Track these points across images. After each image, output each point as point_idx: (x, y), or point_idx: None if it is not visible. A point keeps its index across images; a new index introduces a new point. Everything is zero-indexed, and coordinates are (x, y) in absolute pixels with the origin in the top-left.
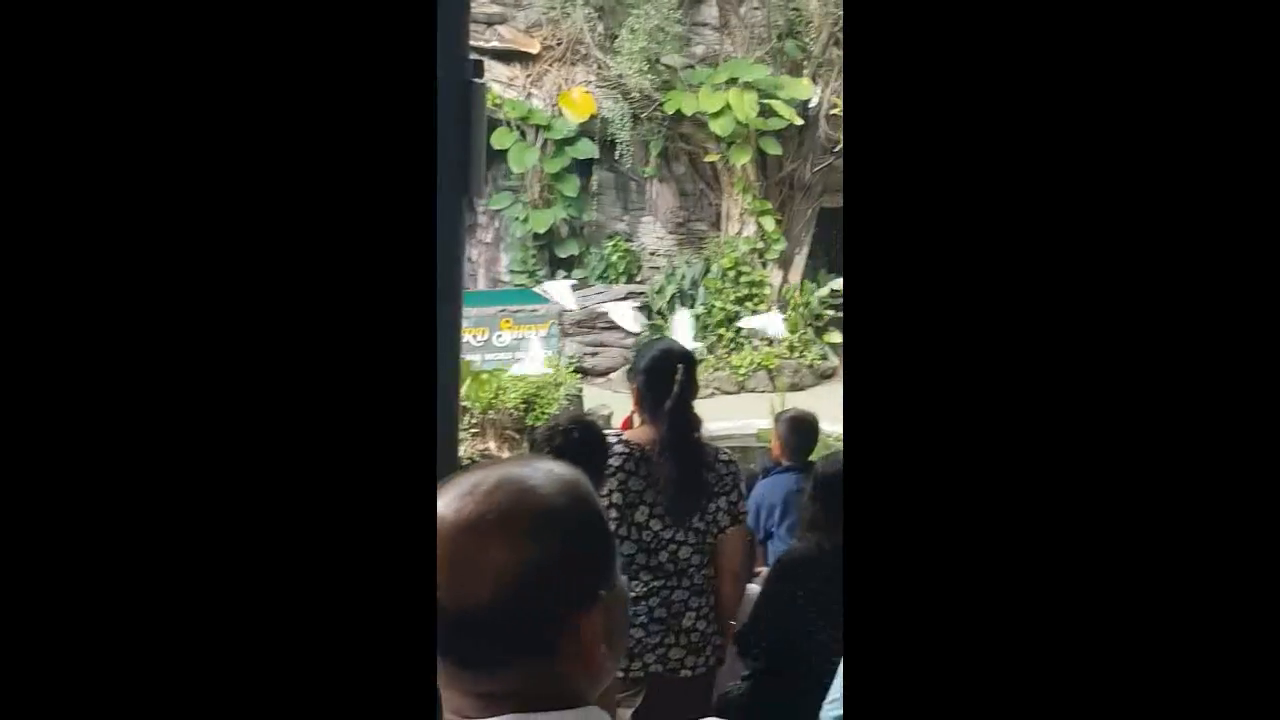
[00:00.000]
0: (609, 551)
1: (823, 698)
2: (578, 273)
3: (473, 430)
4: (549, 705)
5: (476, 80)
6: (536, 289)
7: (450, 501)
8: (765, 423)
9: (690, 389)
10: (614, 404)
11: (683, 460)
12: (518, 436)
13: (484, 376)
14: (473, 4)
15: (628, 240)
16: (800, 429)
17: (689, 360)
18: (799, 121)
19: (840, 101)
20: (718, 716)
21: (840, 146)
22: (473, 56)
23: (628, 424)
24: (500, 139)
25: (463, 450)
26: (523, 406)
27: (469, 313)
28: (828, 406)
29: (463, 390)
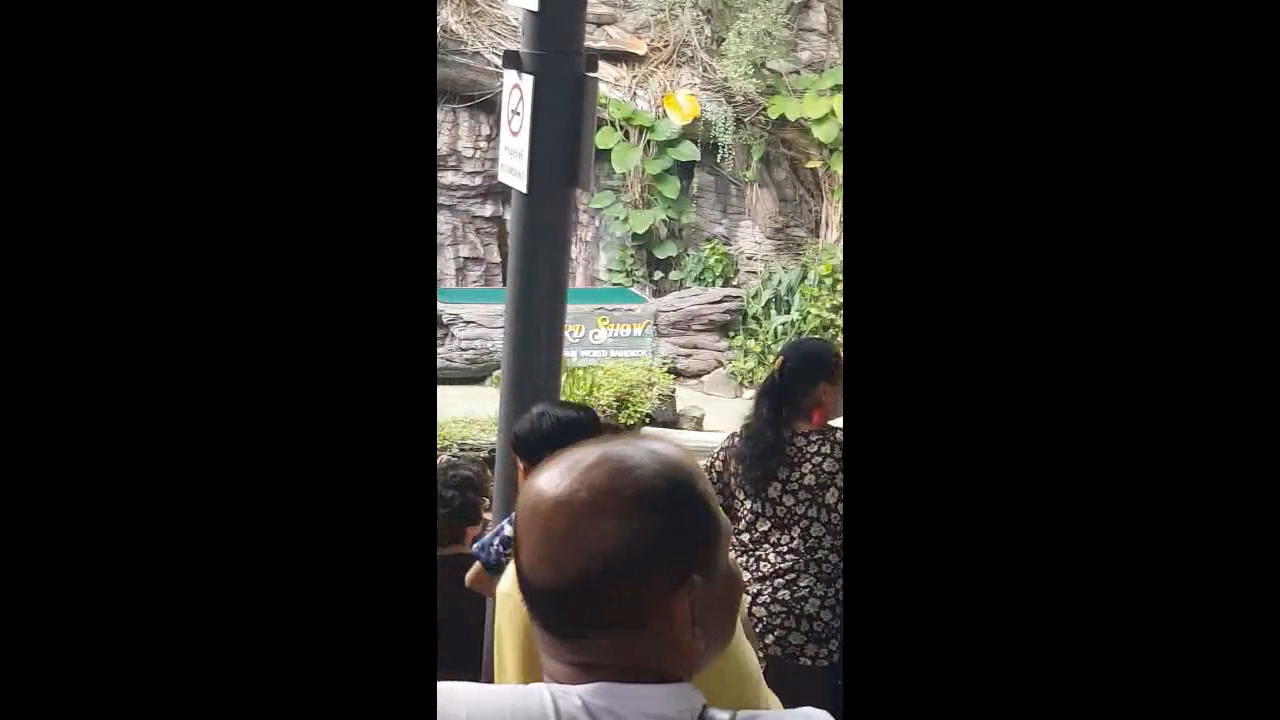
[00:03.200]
0: (708, 534)
1: None
2: (674, 274)
3: None
4: (640, 679)
5: (590, 75)
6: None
7: (550, 476)
8: None
9: (793, 378)
10: (706, 406)
11: (757, 436)
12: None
13: (579, 372)
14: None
15: (725, 244)
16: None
17: (806, 353)
18: None
19: None
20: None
21: None
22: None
23: (820, 417)
24: (604, 139)
25: None
26: (616, 404)
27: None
28: None
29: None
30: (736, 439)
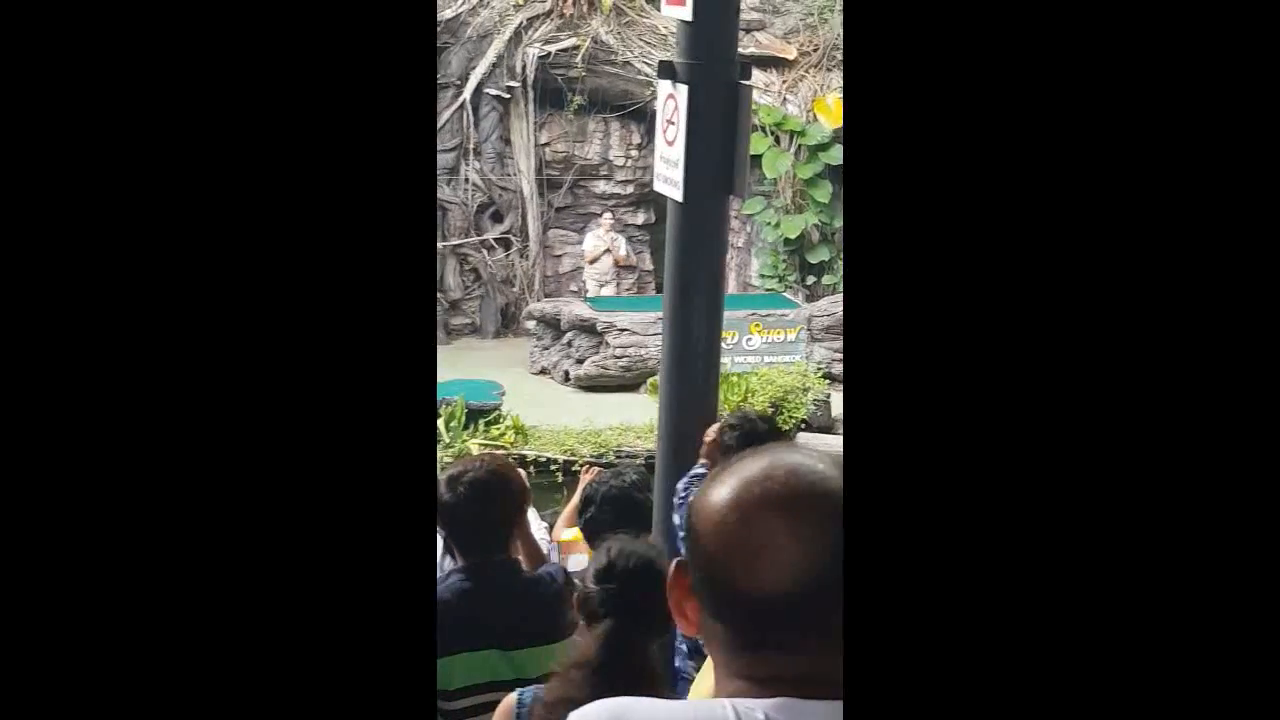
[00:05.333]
0: None
1: None
2: (827, 279)
3: None
4: (816, 693)
5: (744, 82)
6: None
7: (736, 488)
8: None
9: None
10: None
11: None
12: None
13: (734, 378)
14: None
15: None
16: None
17: None
18: None
19: None
20: None
21: None
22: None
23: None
24: (755, 144)
25: None
26: (770, 409)
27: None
28: None
29: None
30: None
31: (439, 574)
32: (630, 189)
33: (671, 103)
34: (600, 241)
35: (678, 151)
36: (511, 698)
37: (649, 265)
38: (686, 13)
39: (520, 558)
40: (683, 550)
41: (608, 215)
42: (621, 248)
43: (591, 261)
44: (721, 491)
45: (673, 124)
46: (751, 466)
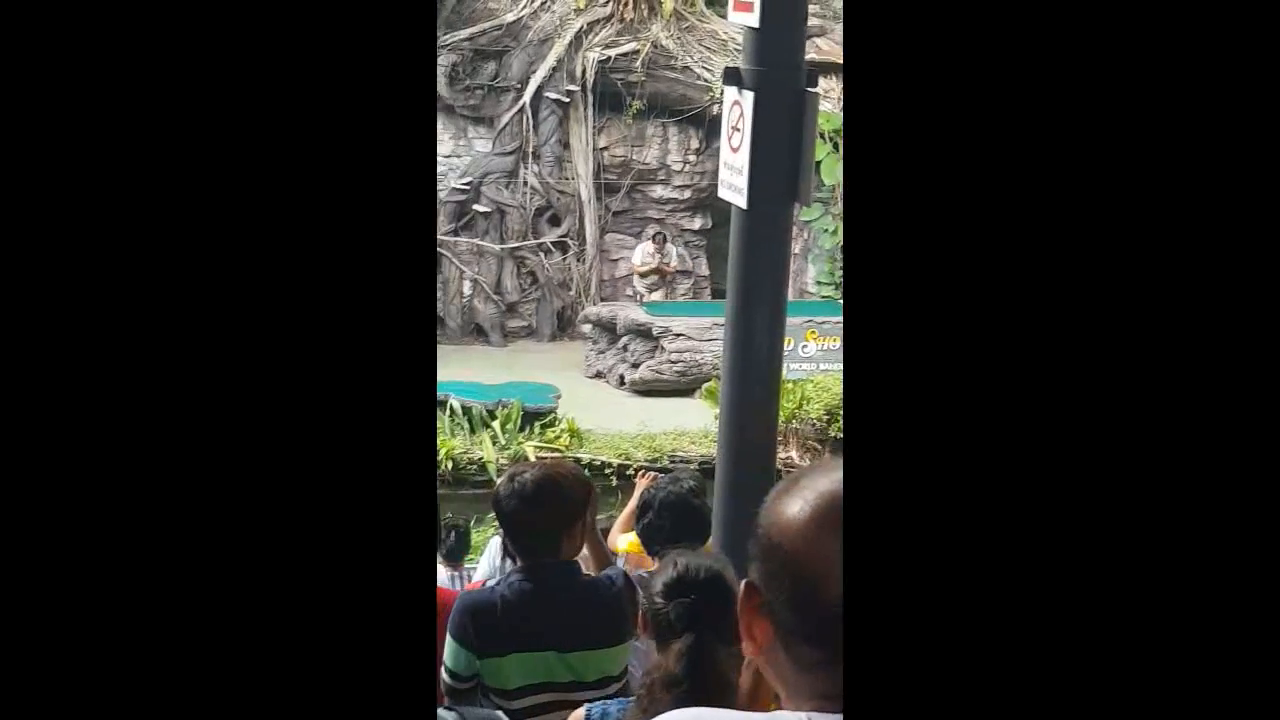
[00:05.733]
0: None
1: None
2: None
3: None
4: None
5: (810, 89)
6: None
7: (814, 500)
8: None
9: None
10: None
11: None
12: (819, 447)
13: (789, 385)
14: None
15: None
16: None
17: None
18: None
19: None
20: None
21: None
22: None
23: None
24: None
25: None
26: (825, 417)
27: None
28: None
29: None
30: None
31: (499, 575)
32: (687, 194)
33: (737, 109)
34: (650, 259)
35: (742, 158)
36: (580, 713)
37: (705, 270)
38: (754, 19)
39: (583, 560)
40: (750, 571)
41: (654, 230)
42: (673, 258)
43: (642, 275)
44: (797, 505)
45: (738, 130)
46: (823, 479)
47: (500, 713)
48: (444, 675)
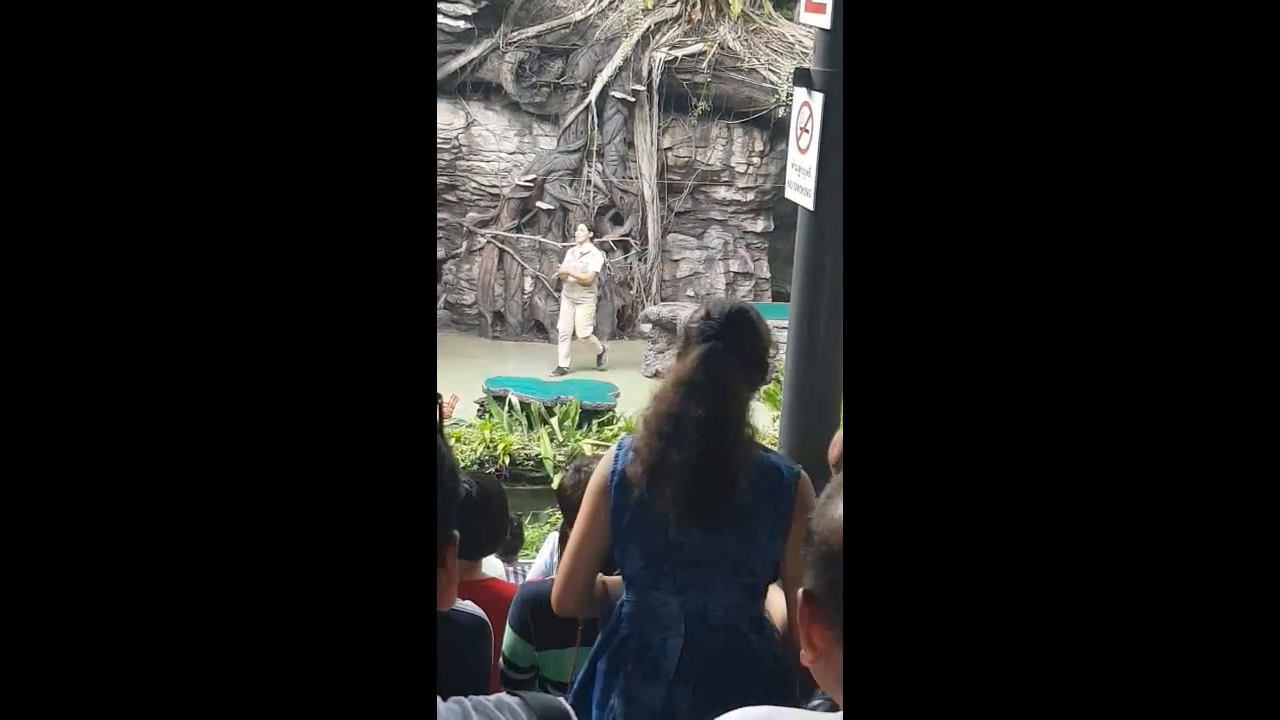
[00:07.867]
0: None
1: None
2: None
3: None
4: None
5: None
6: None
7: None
8: None
9: None
10: None
11: None
12: None
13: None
14: None
15: None
16: None
17: None
18: None
19: None
20: None
21: None
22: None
23: None
24: None
25: None
26: None
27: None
28: None
29: None
30: None
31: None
32: (751, 196)
33: (806, 110)
34: (577, 260)
35: (811, 159)
36: (612, 448)
37: (766, 273)
38: (825, 20)
39: None
40: (806, 580)
41: (583, 228)
42: (591, 264)
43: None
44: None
45: (806, 132)
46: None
47: (563, 699)
48: (502, 665)
